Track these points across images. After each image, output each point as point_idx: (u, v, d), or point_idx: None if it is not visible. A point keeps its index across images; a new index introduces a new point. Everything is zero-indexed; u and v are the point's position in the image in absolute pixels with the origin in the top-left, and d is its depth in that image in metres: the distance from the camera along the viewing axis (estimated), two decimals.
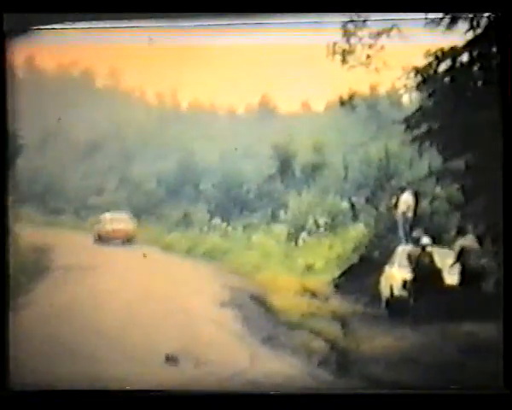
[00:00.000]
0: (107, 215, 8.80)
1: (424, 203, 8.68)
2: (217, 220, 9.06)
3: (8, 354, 5.98)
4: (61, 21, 5.98)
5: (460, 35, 7.85)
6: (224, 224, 9.06)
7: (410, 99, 8.48)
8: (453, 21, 7.82)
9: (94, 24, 6.22)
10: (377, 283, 8.51)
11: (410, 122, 8.38)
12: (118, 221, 8.82)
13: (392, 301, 8.35)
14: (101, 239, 8.76)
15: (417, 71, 8.24)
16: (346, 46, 8.09)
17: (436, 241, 8.38)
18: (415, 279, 8.28)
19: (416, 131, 8.38)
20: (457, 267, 8.20)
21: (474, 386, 6.03)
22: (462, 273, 8.17)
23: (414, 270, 8.31)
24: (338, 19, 7.87)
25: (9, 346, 6.06)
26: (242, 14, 6.70)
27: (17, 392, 5.83)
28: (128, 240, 8.98)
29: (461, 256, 8.16)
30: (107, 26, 6.36)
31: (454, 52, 8.01)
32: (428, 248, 8.36)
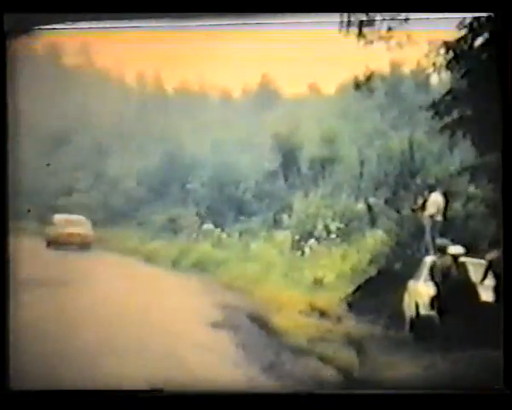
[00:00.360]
0: (60, 217, 8.35)
1: (456, 205, 8.15)
2: (208, 226, 8.58)
3: (9, 354, 6.17)
4: (62, 21, 6.26)
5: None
6: (217, 230, 8.58)
7: (440, 80, 7.93)
8: None
9: (94, 24, 6.37)
10: (400, 300, 7.94)
11: (438, 108, 7.82)
12: (73, 224, 8.33)
13: (418, 322, 7.80)
14: (53, 244, 8.23)
15: (448, 46, 7.62)
16: (364, 16, 7.41)
17: (470, 250, 7.70)
18: (444, 296, 7.63)
19: (447, 119, 7.81)
20: (492, 282, 7.54)
21: (475, 386, 6.17)
22: (497, 289, 7.47)
23: (443, 285, 7.66)
24: None
25: (9, 346, 6.23)
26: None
27: (17, 392, 6.05)
28: (84, 246, 8.48)
29: (489, 270, 7.55)
30: (108, 26, 6.50)
31: (493, 23, 7.17)
32: (461, 259, 7.69)
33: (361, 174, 8.40)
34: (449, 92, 7.81)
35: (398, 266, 8.10)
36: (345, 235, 8.35)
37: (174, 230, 8.66)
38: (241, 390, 6.42)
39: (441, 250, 7.80)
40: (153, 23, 6.38)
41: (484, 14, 6.97)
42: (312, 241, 8.41)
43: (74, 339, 7.27)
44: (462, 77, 7.74)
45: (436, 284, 7.70)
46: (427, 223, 8.17)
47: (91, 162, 8.54)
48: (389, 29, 7.50)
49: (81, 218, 8.29)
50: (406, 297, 7.98)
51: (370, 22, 7.47)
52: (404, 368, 7.25)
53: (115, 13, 6.08)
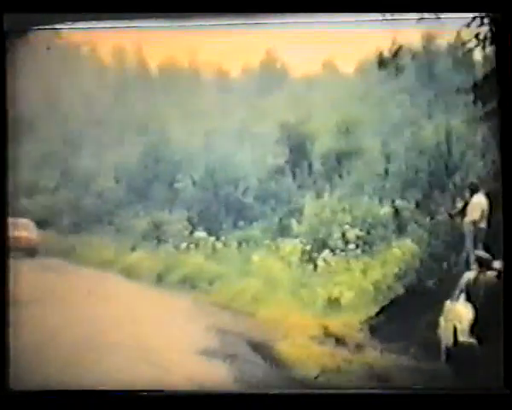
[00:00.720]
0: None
1: None
2: (200, 233, 7.88)
3: (9, 354, 6.44)
4: (61, 21, 6.59)
5: None
6: (212, 238, 7.87)
7: (483, 56, 7.19)
8: None
9: (94, 24, 6.66)
10: (434, 325, 7.32)
11: (481, 91, 7.13)
12: (16, 227, 7.76)
13: (456, 352, 7.21)
14: None
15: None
16: None
17: None
18: (487, 320, 7.04)
19: (491, 105, 7.06)
20: None
21: (474, 386, 6.36)
22: None
23: (486, 306, 7.08)
24: None
25: (9, 346, 6.49)
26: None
27: (17, 392, 6.33)
28: (30, 251, 8.01)
29: None
30: (108, 26, 6.83)
31: None
32: None
33: (386, 171, 7.68)
34: (494, 72, 7.02)
35: (431, 282, 7.44)
36: (366, 245, 7.70)
37: (159, 238, 7.95)
38: (242, 391, 6.57)
39: (484, 264, 7.22)
40: (153, 23, 6.63)
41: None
42: (327, 252, 7.75)
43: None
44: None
45: (474, 306, 7.09)
46: (467, 231, 7.53)
47: (58, 156, 7.85)
48: None
49: (24, 220, 7.74)
50: (442, 321, 7.35)
51: None
52: None
53: (116, 13, 6.38)
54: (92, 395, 6.52)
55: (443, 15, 6.95)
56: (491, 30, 6.92)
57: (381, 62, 7.28)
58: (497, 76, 6.72)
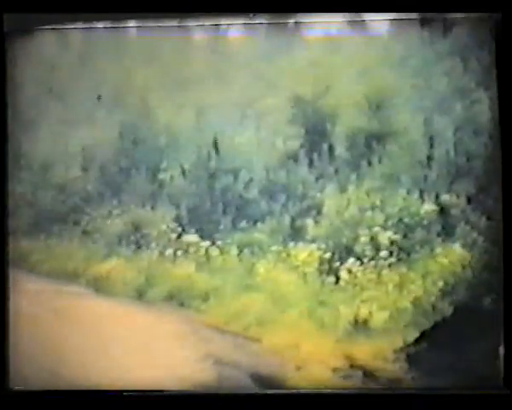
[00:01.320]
0: None
1: None
2: (191, 237, 6.92)
3: (9, 354, 6.57)
4: (61, 21, 6.84)
5: None
6: (205, 243, 6.90)
7: None
8: None
9: (94, 24, 6.89)
10: (492, 354, 6.37)
11: None
12: None
13: None
14: None
15: None
16: None
17: None
18: None
19: None
20: None
21: (475, 386, 6.45)
22: None
23: None
24: None
25: (9, 346, 6.60)
26: None
27: (17, 392, 6.53)
28: None
29: None
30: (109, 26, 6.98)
31: None
32: None
33: (429, 158, 6.63)
34: None
35: (487, 301, 6.40)
36: (403, 252, 6.67)
37: (139, 243, 6.97)
38: (244, 392, 6.51)
39: None
40: (159, 23, 6.75)
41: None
42: (352, 261, 6.74)
43: None
44: None
45: None
46: None
47: (9, 136, 6.77)
48: None
49: None
50: (502, 350, 6.37)
51: None
52: None
53: (117, 13, 6.59)
54: (92, 394, 6.43)
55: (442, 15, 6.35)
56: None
57: (425, 17, 6.35)
58: (497, 76, 6.21)
